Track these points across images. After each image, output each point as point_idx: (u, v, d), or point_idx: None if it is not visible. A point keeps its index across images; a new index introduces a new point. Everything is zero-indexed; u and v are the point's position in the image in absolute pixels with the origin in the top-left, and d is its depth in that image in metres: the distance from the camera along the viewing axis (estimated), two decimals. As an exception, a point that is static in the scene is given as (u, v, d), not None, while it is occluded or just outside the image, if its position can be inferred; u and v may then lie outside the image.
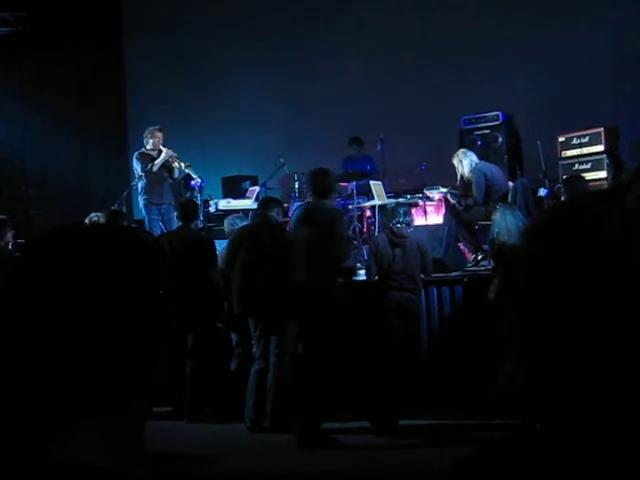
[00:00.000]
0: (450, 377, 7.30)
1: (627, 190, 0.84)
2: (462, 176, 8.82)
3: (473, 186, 8.65)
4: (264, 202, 7.77)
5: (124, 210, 9.95)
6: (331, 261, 6.60)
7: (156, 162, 9.69)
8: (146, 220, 9.77)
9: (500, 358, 0.89)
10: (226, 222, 8.25)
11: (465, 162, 8.79)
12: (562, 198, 7.63)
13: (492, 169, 8.92)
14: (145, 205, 9.78)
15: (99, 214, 9.04)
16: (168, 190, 9.92)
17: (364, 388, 7.00)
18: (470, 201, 8.69)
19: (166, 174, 9.83)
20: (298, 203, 9.69)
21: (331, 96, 11.37)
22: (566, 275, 0.82)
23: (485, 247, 8.12)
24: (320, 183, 6.79)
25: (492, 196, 8.58)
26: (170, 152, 9.76)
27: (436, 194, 9.52)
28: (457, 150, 9.13)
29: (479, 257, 8.43)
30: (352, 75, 11.61)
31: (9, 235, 8.51)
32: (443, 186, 9.34)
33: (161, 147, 9.83)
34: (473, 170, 8.72)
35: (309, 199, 7.13)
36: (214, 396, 7.56)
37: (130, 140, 12.62)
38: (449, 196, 9.01)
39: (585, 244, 0.82)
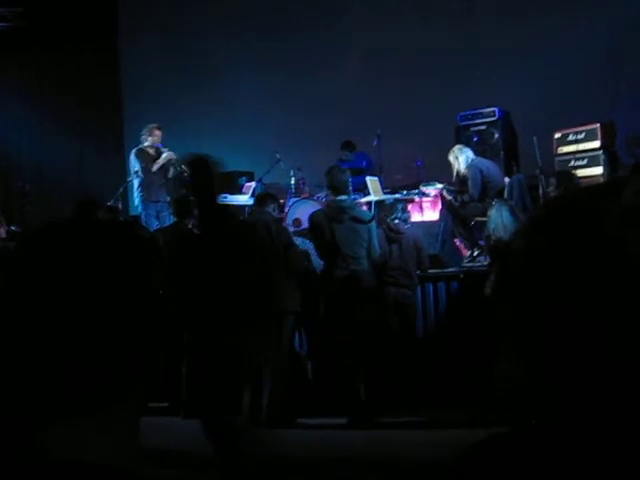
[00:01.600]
0: (446, 373, 7.30)
1: (623, 185, 0.84)
2: (458, 172, 8.82)
3: (469, 182, 8.65)
4: (260, 198, 7.76)
5: (119, 206, 9.96)
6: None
7: (157, 162, 9.75)
8: (142, 216, 9.80)
9: (496, 355, 0.89)
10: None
11: (461, 158, 8.79)
12: (551, 192, 7.58)
13: (488, 165, 8.92)
14: (142, 202, 9.82)
15: (94, 210, 9.02)
16: (163, 188, 9.97)
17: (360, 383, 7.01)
18: (466, 197, 8.69)
19: (161, 173, 9.88)
20: (294, 199, 9.68)
21: (328, 93, 11.36)
22: (563, 271, 0.82)
23: (481, 243, 8.12)
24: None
25: (488, 192, 8.58)
26: (171, 154, 9.81)
27: (432, 190, 9.52)
28: (453, 146, 9.13)
29: (475, 253, 8.44)
30: (349, 71, 11.59)
31: (2, 230, 8.50)
32: (439, 182, 9.34)
33: (161, 148, 9.90)
34: (469, 166, 8.71)
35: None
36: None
37: (126, 137, 12.61)
38: (445, 192, 9.01)
39: (582, 240, 0.82)
